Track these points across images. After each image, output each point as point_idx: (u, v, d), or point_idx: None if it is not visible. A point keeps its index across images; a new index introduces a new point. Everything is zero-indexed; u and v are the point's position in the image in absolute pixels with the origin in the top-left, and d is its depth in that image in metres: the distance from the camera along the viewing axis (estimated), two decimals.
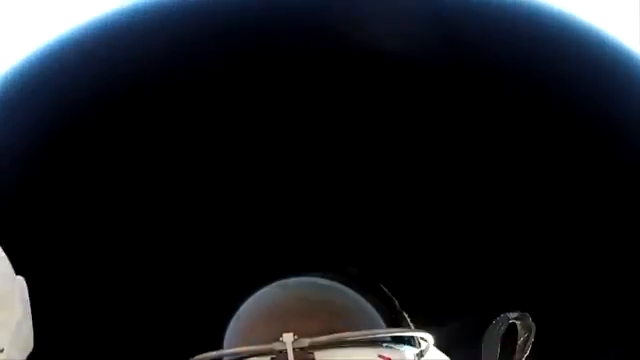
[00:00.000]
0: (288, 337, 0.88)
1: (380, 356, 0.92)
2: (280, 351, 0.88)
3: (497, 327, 0.96)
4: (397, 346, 0.95)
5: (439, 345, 1.02)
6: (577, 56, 2.14)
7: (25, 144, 2.10)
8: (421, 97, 2.02)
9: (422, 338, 0.99)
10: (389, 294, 1.10)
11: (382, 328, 0.98)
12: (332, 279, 1.03)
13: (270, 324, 0.93)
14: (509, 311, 0.98)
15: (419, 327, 1.05)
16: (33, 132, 2.11)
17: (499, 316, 0.97)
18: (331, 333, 0.90)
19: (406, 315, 1.07)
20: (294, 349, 0.88)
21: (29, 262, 0.94)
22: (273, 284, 1.03)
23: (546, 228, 2.00)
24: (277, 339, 0.89)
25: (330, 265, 1.10)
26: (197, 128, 2.06)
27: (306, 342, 0.88)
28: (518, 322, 0.98)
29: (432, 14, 2.11)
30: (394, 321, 1.03)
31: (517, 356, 0.98)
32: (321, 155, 2.04)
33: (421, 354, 0.98)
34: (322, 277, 1.03)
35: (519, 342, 0.98)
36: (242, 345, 0.93)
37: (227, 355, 0.95)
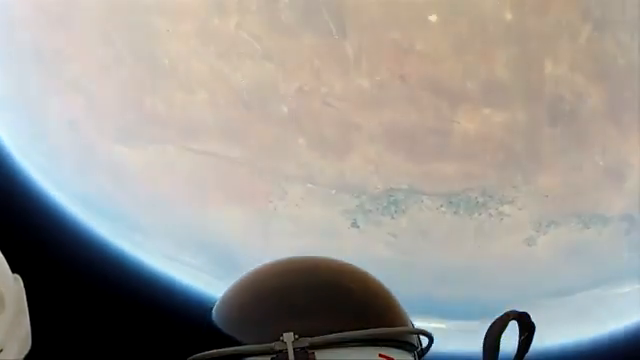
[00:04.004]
0: (288, 337, 0.87)
1: (381, 355, 0.91)
2: (280, 350, 0.87)
3: (497, 327, 0.95)
4: (398, 345, 0.94)
5: (440, 344, 1.01)
6: None
7: None
8: None
9: (423, 336, 0.98)
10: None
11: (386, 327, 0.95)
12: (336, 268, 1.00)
13: (271, 322, 0.90)
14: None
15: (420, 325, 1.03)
16: None
17: (499, 316, 0.96)
18: (332, 332, 0.88)
19: (407, 313, 1.06)
20: (294, 349, 0.87)
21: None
22: (273, 265, 0.99)
23: None
24: (277, 338, 0.87)
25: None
26: None
27: (307, 342, 0.87)
28: (518, 322, 0.97)
29: None
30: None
31: (517, 356, 0.98)
32: None
33: (422, 352, 0.97)
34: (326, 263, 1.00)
35: (519, 342, 0.98)
36: (242, 343, 0.90)
37: (226, 354, 0.92)
